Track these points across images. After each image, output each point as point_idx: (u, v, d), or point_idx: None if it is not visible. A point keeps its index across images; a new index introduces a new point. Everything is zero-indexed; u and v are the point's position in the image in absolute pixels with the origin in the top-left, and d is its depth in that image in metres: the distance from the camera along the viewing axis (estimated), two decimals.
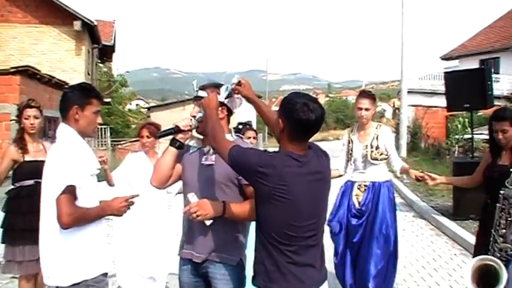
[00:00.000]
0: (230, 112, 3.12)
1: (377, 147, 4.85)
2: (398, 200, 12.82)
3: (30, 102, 4.69)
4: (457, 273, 6.36)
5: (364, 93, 4.99)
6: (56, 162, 2.94)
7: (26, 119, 4.60)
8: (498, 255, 2.45)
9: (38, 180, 4.49)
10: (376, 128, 4.95)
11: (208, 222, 2.85)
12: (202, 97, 3.01)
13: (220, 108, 3.02)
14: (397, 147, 24.73)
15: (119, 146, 29.27)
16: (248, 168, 2.54)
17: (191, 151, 3.12)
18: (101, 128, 27.50)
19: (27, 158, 4.59)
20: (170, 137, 3.06)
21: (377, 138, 4.87)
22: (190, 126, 3.00)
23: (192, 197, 2.88)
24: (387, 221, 4.80)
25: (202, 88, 3.08)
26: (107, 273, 3.10)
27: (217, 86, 3.09)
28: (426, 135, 24.71)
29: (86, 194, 2.96)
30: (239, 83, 3.01)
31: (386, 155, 4.88)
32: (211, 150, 3.03)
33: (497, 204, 2.33)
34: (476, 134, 11.71)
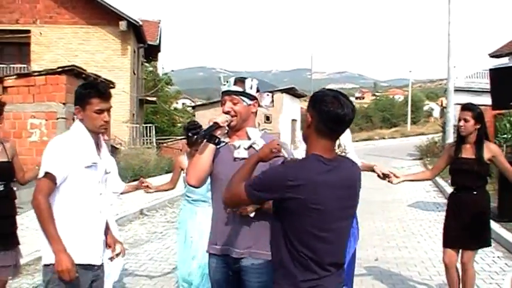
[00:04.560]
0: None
1: (339, 146, 4.77)
2: (441, 200, 12.58)
3: None
4: (500, 276, 6.18)
5: None
6: (46, 151, 3.13)
7: None
8: None
9: None
10: None
11: (252, 214, 2.92)
12: (234, 91, 3.04)
13: (252, 102, 3.10)
14: (444, 146, 24.20)
15: (164, 145, 29.62)
16: (276, 187, 2.32)
17: (218, 146, 3.11)
18: (147, 127, 27.89)
19: None
20: None
21: None
22: (227, 121, 3.02)
23: None
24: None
25: (234, 83, 3.10)
26: (89, 265, 3.17)
27: (243, 80, 3.11)
28: None
29: (76, 183, 3.11)
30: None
31: (345, 153, 4.78)
32: (242, 144, 3.05)
33: None
34: None
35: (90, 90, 3.17)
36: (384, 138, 49.83)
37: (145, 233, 9.29)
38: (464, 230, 4.69)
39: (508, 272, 6.36)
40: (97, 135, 3.26)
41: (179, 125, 44.05)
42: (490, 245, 4.94)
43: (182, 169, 5.18)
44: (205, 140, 3.05)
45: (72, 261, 2.99)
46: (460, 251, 4.81)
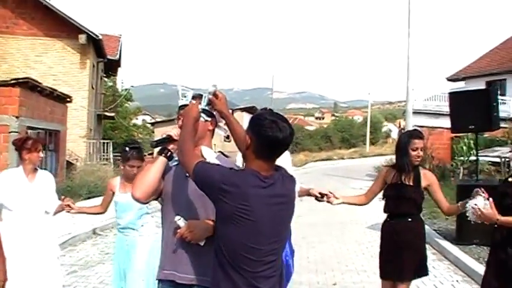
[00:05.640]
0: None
1: None
2: None
3: None
4: None
5: None
6: None
7: None
8: None
9: None
10: None
11: (202, 243, 2.76)
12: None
13: (210, 120, 2.95)
14: None
15: None
16: (211, 185, 2.43)
17: (171, 164, 2.92)
18: (104, 143, 27.35)
19: None
20: None
21: None
22: None
23: (179, 221, 2.74)
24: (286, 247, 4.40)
25: (192, 98, 2.99)
26: None
27: (200, 96, 2.97)
28: (431, 156, 24.42)
29: None
30: (215, 95, 2.88)
31: None
32: None
33: None
34: (481, 156, 11.50)
35: None
36: (343, 158, 50.17)
37: (97, 254, 8.91)
38: (400, 260, 4.45)
39: None
40: None
41: (138, 141, 43.39)
42: (428, 274, 4.69)
43: (113, 192, 4.82)
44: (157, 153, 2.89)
45: None
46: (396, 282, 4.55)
